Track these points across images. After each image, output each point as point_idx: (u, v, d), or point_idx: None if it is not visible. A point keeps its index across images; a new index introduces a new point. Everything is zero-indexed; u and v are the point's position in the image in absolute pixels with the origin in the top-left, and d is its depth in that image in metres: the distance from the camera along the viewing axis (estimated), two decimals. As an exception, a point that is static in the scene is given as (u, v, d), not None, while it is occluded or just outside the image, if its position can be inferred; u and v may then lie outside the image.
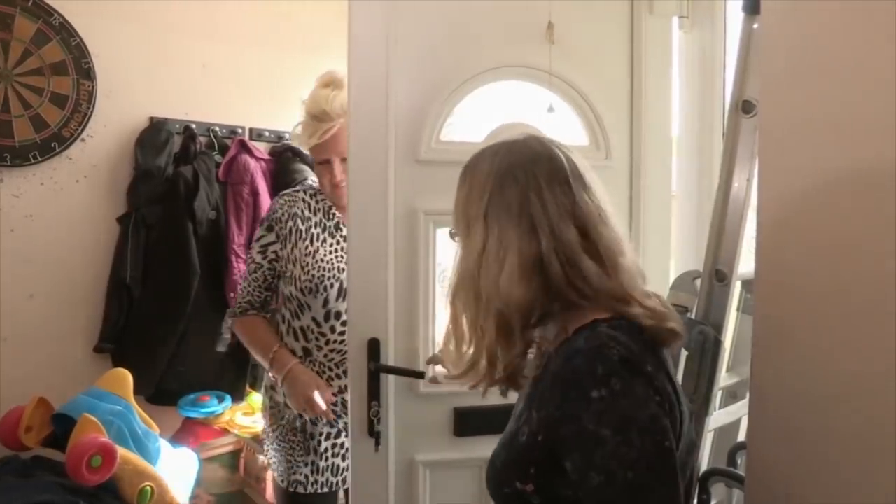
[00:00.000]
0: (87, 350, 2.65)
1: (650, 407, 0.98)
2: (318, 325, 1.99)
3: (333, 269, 1.98)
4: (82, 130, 2.63)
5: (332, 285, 1.97)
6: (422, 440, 1.89)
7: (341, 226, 2.04)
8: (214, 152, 2.87)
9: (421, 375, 1.82)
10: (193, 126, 2.82)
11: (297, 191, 2.09)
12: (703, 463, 1.65)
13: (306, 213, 2.03)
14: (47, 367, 2.55)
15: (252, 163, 2.88)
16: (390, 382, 1.84)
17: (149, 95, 2.77)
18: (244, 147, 2.91)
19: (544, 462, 1.03)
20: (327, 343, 2.00)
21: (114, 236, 2.69)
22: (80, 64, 2.61)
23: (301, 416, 2.01)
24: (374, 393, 1.79)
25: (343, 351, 1.98)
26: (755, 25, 1.52)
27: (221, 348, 2.83)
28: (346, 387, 1.91)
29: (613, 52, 2.04)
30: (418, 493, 1.89)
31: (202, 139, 2.85)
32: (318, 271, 1.96)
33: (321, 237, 2.01)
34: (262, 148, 3.00)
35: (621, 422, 0.95)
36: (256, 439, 2.66)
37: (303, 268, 1.97)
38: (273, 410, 2.08)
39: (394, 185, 1.82)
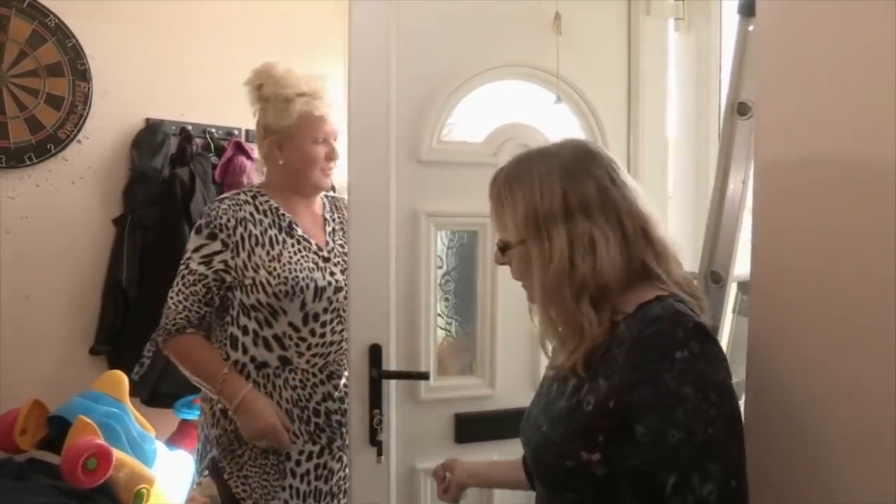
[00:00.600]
0: (83, 352, 2.65)
1: (722, 371, 1.05)
2: (297, 329, 1.82)
3: (304, 269, 1.84)
4: (78, 132, 2.63)
5: (307, 286, 1.83)
6: (423, 448, 1.85)
7: (294, 225, 1.89)
8: (211, 154, 2.87)
9: (426, 377, 1.79)
10: (190, 127, 2.82)
11: (238, 194, 1.92)
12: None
13: (256, 216, 1.87)
14: (43, 369, 2.54)
15: (248, 164, 2.88)
16: (391, 389, 1.78)
17: (145, 97, 2.76)
18: (240, 148, 2.90)
19: (614, 429, 1.06)
20: (309, 348, 1.84)
21: (110, 238, 2.68)
22: (75, 65, 2.60)
23: None
24: (375, 401, 1.71)
25: (326, 354, 1.85)
26: (751, 27, 1.52)
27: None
28: (329, 394, 1.85)
29: (611, 54, 2.05)
30: (419, 502, 1.85)
31: (198, 141, 2.85)
32: (290, 273, 1.82)
33: (279, 239, 1.86)
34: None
35: (701, 381, 1.01)
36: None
37: (270, 272, 1.81)
38: (236, 434, 1.80)
39: (395, 186, 1.77)
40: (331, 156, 1.91)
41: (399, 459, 1.81)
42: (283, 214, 1.89)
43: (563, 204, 1.10)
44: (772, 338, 1.27)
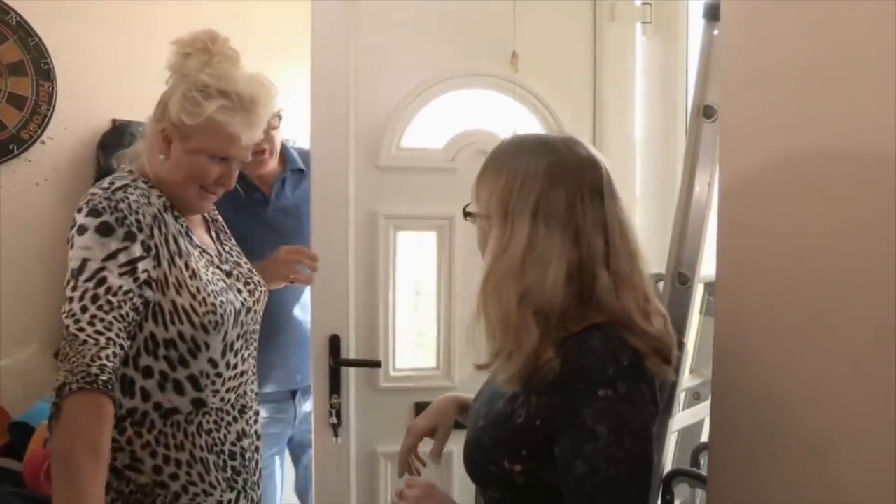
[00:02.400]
0: (47, 356, 2.60)
1: (645, 415, 1.05)
2: (216, 364, 1.43)
3: (221, 289, 1.46)
4: (42, 132, 2.59)
5: (230, 311, 1.45)
6: (383, 432, 1.98)
7: (191, 234, 1.47)
8: (178, 155, 2.83)
9: (378, 364, 1.93)
10: (157, 128, 2.78)
11: (135, 180, 1.41)
12: (668, 463, 1.67)
13: (164, 215, 1.41)
14: (5, 374, 2.49)
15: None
16: (351, 377, 1.94)
17: (111, 97, 2.73)
18: (209, 150, 2.87)
19: (537, 445, 1.08)
20: (223, 383, 1.46)
21: (75, 240, 2.64)
22: (39, 64, 2.56)
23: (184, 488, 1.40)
24: (334, 387, 1.90)
25: (238, 387, 1.50)
26: (716, 32, 1.54)
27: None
28: (244, 431, 1.51)
29: (576, 58, 2.08)
30: (379, 484, 1.99)
31: (166, 142, 2.81)
32: (215, 297, 1.42)
33: (188, 251, 1.43)
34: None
35: (618, 424, 1.02)
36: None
37: (194, 295, 1.38)
38: (135, 497, 1.36)
39: (354, 189, 1.92)
40: (223, 180, 1.47)
41: (360, 442, 1.97)
42: (178, 217, 1.46)
43: (535, 205, 1.08)
44: (737, 338, 1.29)
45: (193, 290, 1.39)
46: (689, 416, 1.77)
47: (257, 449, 1.56)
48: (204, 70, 1.45)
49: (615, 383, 1.03)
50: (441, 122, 2.03)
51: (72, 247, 1.31)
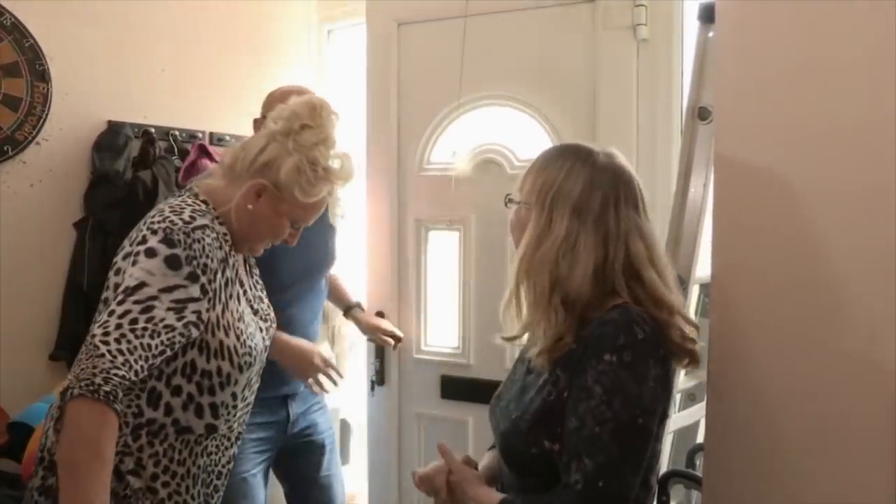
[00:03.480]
0: (44, 358, 2.59)
1: (644, 386, 1.11)
2: (235, 398, 1.49)
3: (254, 332, 1.51)
4: (37, 133, 2.57)
5: (258, 351, 1.51)
6: (416, 396, 2.50)
7: (239, 273, 1.52)
8: (174, 157, 2.82)
9: (399, 338, 2.38)
10: (152, 130, 2.78)
11: (214, 220, 1.44)
12: (663, 465, 1.67)
13: (229, 258, 1.46)
14: (2, 375, 2.49)
15: (213, 167, 2.84)
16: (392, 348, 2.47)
17: (107, 98, 2.72)
18: (204, 151, 2.86)
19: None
20: (235, 414, 1.52)
21: (70, 242, 2.63)
22: (34, 65, 2.55)
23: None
24: (378, 352, 2.51)
25: (242, 416, 1.56)
26: (710, 34, 1.55)
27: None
28: (234, 455, 1.58)
29: (577, 67, 2.24)
30: (414, 439, 2.49)
31: (161, 143, 2.80)
32: (251, 339, 1.48)
33: (239, 292, 1.50)
34: (222, 152, 2.96)
35: (613, 387, 1.10)
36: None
37: (238, 337, 1.44)
38: (127, 501, 1.38)
39: (396, 196, 2.49)
40: (288, 241, 1.57)
41: (401, 399, 2.52)
42: (234, 256, 1.50)
43: (575, 201, 1.19)
44: (732, 339, 1.29)
45: (238, 332, 1.44)
46: (684, 418, 1.77)
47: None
48: (317, 147, 1.48)
49: (622, 351, 1.11)
50: (457, 138, 2.43)
51: (134, 263, 1.33)
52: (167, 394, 1.40)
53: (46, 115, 2.58)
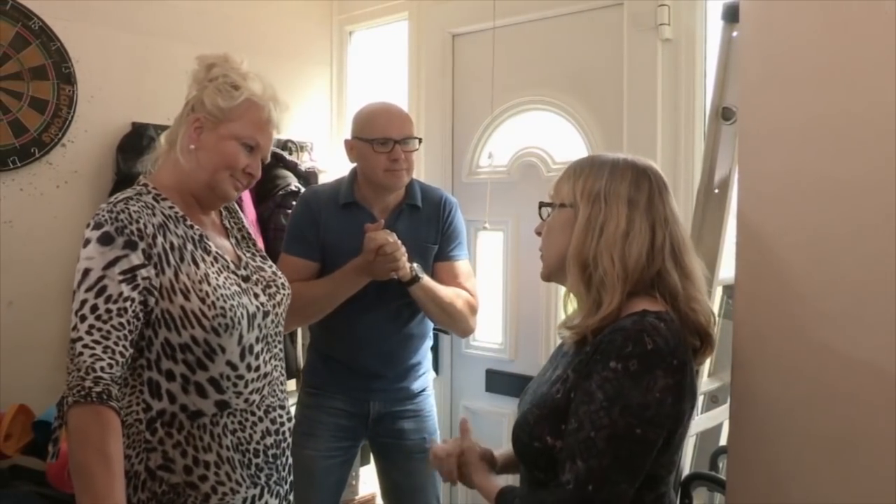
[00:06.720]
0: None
1: (649, 396, 1.12)
2: (235, 367, 1.48)
3: (233, 294, 1.49)
4: (63, 135, 2.61)
5: (242, 314, 1.48)
6: (464, 389, 2.76)
7: (206, 239, 1.51)
8: (197, 157, 2.85)
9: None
10: (176, 131, 2.80)
11: (139, 194, 1.46)
12: (686, 467, 1.66)
13: (170, 224, 1.45)
14: (27, 374, 2.52)
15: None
16: (444, 341, 2.75)
17: (131, 100, 2.74)
18: (226, 152, 2.89)
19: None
20: (246, 385, 1.50)
21: (95, 242, 2.66)
22: (60, 68, 2.58)
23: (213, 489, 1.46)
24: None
25: (261, 388, 1.54)
26: (734, 34, 1.54)
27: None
28: (268, 430, 1.54)
29: (606, 69, 2.32)
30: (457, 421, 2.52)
31: (184, 144, 2.83)
32: (225, 301, 1.45)
33: (199, 256, 1.47)
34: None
35: (615, 395, 1.12)
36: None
37: (203, 300, 1.42)
38: (167, 497, 1.42)
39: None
40: (250, 169, 1.55)
41: (452, 389, 2.78)
42: (192, 225, 1.50)
43: (627, 191, 1.23)
44: (756, 341, 1.28)
45: (202, 294, 1.42)
46: (707, 420, 1.76)
47: (289, 446, 1.61)
48: (231, 71, 1.56)
49: (628, 360, 1.13)
50: (499, 143, 2.67)
51: (78, 260, 1.36)
52: (164, 381, 1.42)
53: (72, 117, 2.62)
